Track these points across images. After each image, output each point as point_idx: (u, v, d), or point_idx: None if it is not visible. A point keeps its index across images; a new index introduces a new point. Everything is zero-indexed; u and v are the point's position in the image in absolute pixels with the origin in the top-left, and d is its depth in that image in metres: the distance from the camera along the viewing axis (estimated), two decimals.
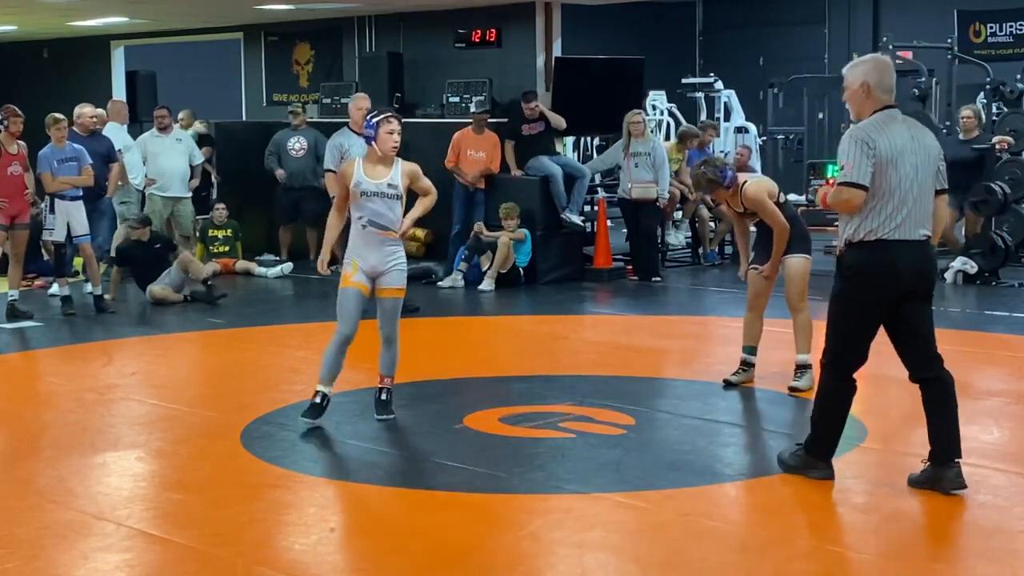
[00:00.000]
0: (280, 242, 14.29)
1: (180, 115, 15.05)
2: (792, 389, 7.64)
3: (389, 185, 6.82)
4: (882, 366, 8.84)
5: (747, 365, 7.90)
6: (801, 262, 7.70)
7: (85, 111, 12.25)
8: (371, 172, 6.83)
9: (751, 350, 7.91)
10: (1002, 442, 6.75)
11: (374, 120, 6.82)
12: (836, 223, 15.29)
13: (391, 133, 6.78)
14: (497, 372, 8.64)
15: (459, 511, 5.62)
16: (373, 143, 6.82)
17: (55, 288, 11.72)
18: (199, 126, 15.20)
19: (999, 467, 6.10)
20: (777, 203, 7.60)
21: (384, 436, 6.77)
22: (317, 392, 6.89)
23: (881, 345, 9.48)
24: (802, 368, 7.68)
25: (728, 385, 7.82)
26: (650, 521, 5.42)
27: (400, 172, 6.88)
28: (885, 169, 5.45)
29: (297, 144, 13.99)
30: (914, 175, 5.53)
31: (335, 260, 7.53)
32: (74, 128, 11.97)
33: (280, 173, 13.91)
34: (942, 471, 5.58)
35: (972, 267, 12.23)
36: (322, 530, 5.31)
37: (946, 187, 5.79)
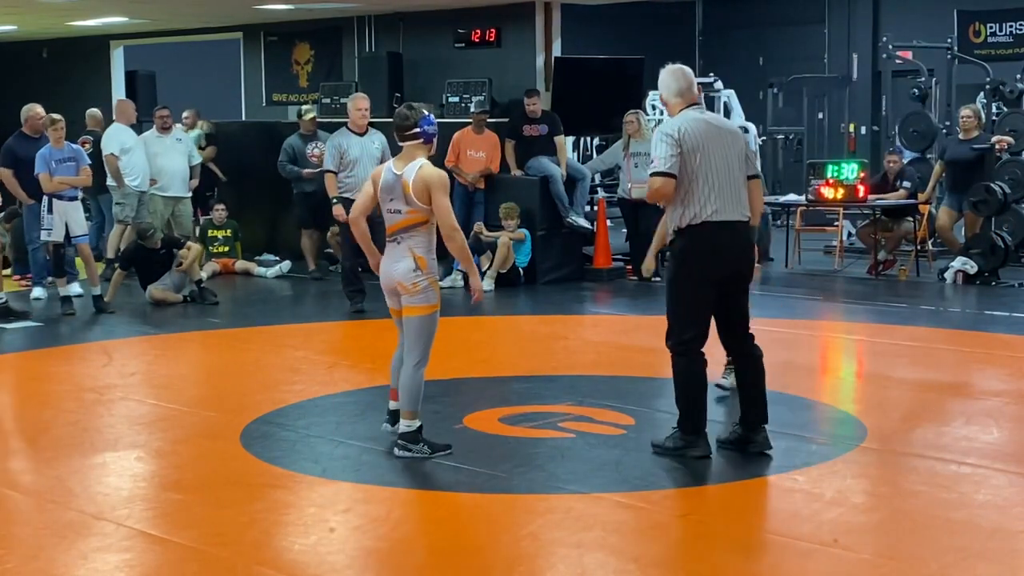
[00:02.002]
0: (304, 249, 13.36)
1: (185, 114, 15.01)
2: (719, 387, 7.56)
3: None
4: (882, 366, 8.88)
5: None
6: None
7: (37, 110, 11.63)
8: None
9: None
10: (1002, 442, 6.75)
11: (432, 116, 6.38)
12: (835, 223, 15.29)
13: None
14: (497, 372, 8.64)
15: (459, 511, 5.63)
16: (432, 141, 6.36)
17: (38, 291, 11.69)
18: (204, 125, 15.15)
19: (999, 467, 6.10)
20: None
21: (384, 436, 6.76)
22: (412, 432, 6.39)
23: (881, 345, 9.52)
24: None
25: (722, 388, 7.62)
26: (650, 521, 5.42)
27: None
28: (693, 157, 6.00)
29: (317, 150, 13.22)
30: (722, 163, 6.06)
31: None
32: (24, 130, 11.52)
33: (308, 172, 13.07)
34: (752, 435, 6.27)
35: (972, 267, 12.23)
36: (322, 530, 5.31)
37: (758, 173, 6.57)
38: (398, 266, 6.29)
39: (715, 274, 6.09)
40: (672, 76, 6.22)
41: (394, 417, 6.61)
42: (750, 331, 6.33)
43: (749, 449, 6.26)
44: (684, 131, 6.01)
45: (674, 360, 6.21)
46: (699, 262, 6.07)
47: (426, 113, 6.35)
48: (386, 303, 6.52)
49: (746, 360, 6.34)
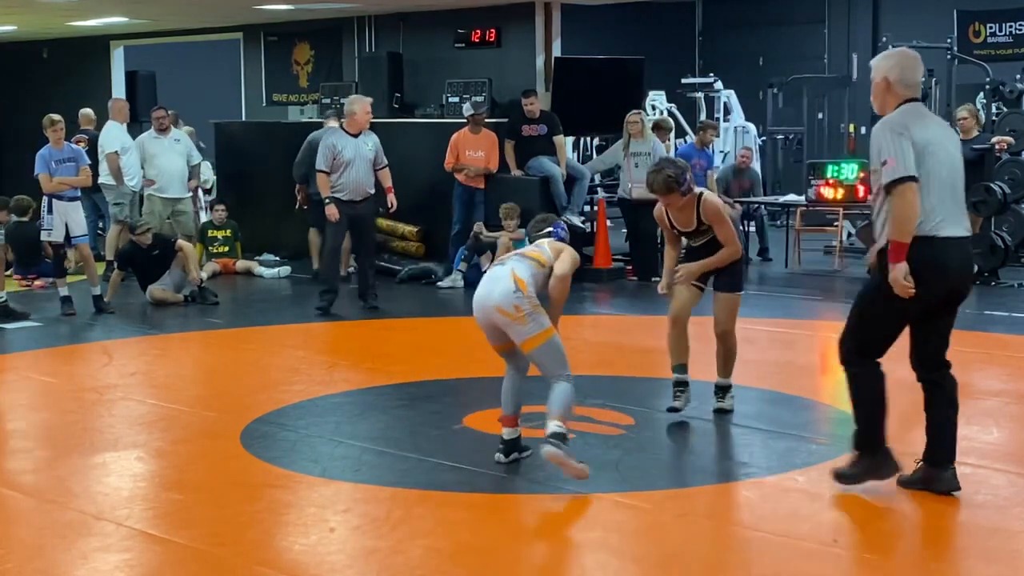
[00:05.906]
0: (313, 247, 13.04)
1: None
2: (720, 411, 7.16)
3: None
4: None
5: (683, 385, 7.19)
6: (736, 297, 7.22)
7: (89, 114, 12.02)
8: None
9: (682, 368, 7.22)
10: (1002, 442, 6.75)
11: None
12: (835, 223, 15.19)
13: None
14: (497, 372, 8.57)
15: (459, 511, 5.63)
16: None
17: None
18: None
19: (999, 467, 6.10)
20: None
21: (384, 436, 6.77)
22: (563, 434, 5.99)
23: None
24: (725, 389, 7.27)
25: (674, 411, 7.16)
26: (650, 521, 5.42)
27: None
28: (922, 160, 5.18)
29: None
30: (950, 167, 5.31)
31: None
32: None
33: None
34: (938, 472, 5.58)
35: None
36: (322, 530, 5.31)
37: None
38: (496, 288, 6.10)
39: (936, 295, 5.38)
40: (912, 65, 5.41)
41: (508, 447, 6.30)
42: (947, 358, 5.65)
43: (932, 488, 5.57)
44: (914, 127, 5.27)
45: (853, 367, 5.69)
46: (924, 280, 5.26)
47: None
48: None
49: (934, 387, 5.67)
